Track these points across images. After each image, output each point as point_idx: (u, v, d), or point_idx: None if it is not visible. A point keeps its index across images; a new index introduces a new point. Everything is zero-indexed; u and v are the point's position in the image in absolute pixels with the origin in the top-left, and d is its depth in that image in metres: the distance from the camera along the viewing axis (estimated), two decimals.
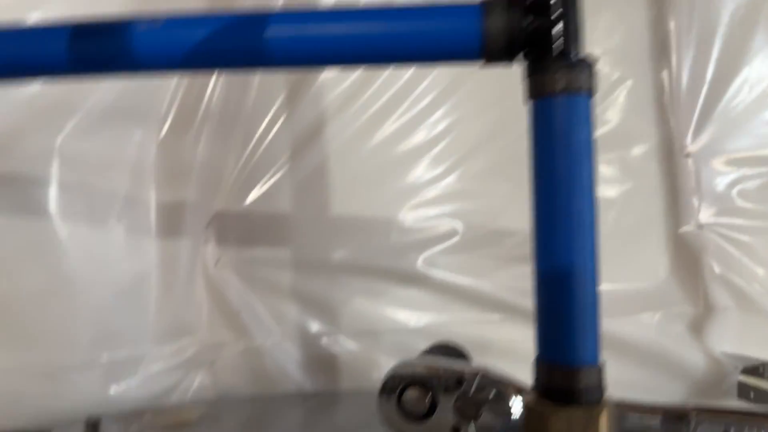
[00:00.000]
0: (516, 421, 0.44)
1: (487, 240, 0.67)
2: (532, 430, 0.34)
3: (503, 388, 0.44)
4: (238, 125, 0.63)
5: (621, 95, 0.73)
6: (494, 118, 0.68)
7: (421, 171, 0.67)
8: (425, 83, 0.66)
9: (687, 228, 0.74)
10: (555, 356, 0.34)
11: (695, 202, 0.74)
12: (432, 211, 0.67)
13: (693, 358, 0.70)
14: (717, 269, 0.73)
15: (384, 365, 0.64)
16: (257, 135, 0.63)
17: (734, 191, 0.75)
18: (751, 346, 0.70)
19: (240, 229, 0.64)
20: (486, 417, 0.44)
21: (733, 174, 0.75)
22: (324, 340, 0.65)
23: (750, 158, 0.75)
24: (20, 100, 0.55)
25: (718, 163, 0.75)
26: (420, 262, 0.66)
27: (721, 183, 0.75)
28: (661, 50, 0.74)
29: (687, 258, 0.73)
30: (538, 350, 0.35)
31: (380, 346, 0.66)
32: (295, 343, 0.64)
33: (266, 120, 0.64)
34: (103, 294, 0.59)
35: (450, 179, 0.67)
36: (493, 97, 0.67)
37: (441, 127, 0.67)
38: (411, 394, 0.45)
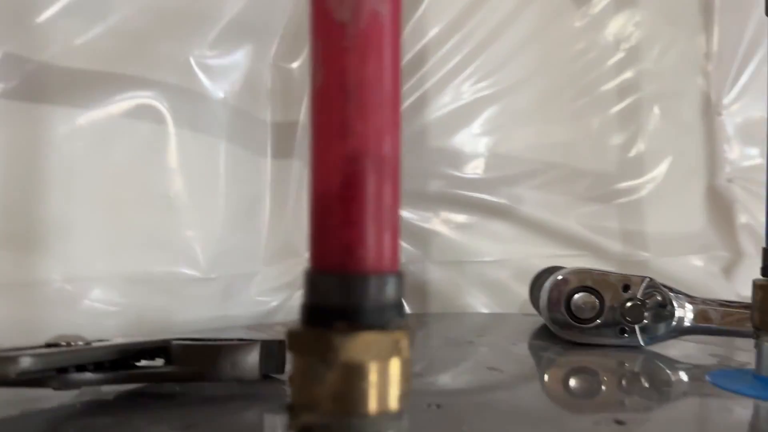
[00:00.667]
0: (677, 325, 0.48)
1: (564, 179, 0.71)
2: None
3: (667, 294, 0.48)
4: None
5: (674, 53, 0.79)
6: (579, 67, 0.72)
7: (509, 109, 0.69)
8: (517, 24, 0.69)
9: (719, 180, 0.81)
10: None
11: (725, 157, 0.82)
12: (518, 147, 0.70)
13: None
14: (743, 219, 0.81)
15: (467, 293, 0.68)
16: None
17: (759, 148, 0.83)
18: None
19: None
20: (650, 321, 0.48)
21: (759, 135, 0.83)
22: (413, 267, 0.67)
23: None
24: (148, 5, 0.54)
25: (747, 122, 0.82)
26: (507, 196, 0.70)
27: (749, 140, 0.82)
28: (706, 13, 0.80)
29: (721, 208, 0.81)
30: None
31: (464, 275, 0.69)
32: None
33: None
34: (220, 211, 0.58)
35: (536, 118, 0.71)
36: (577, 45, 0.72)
37: (528, 68, 0.70)
38: (581, 298, 0.49)
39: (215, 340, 0.36)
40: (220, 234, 0.59)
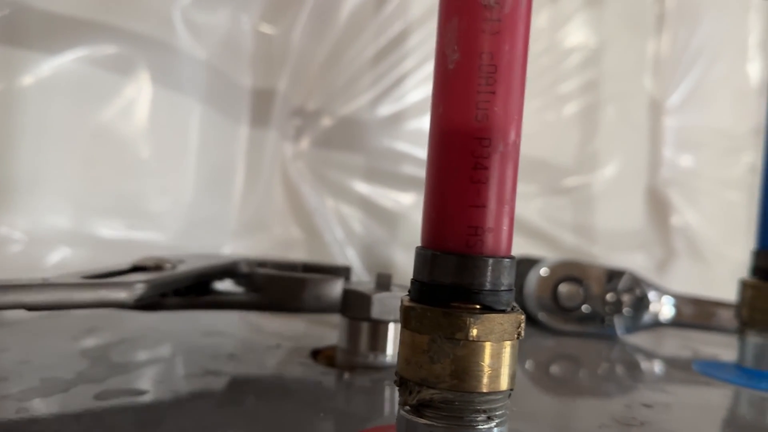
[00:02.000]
0: (653, 318, 0.51)
1: (524, 170, 0.73)
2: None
3: (645, 288, 0.51)
4: (332, 18, 0.62)
5: (629, 55, 0.83)
6: (544, 64, 0.74)
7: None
8: None
9: (658, 182, 0.86)
10: None
11: (664, 160, 0.87)
12: None
13: None
14: (676, 221, 0.87)
15: None
16: (347, 33, 0.63)
17: (695, 155, 0.89)
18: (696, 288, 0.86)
19: (319, 128, 0.64)
20: (629, 313, 0.51)
21: (696, 141, 0.89)
22: (382, 250, 0.67)
23: (712, 129, 0.89)
24: None
25: (686, 128, 0.88)
26: None
27: (686, 145, 0.88)
28: (659, 19, 0.85)
29: (658, 208, 0.86)
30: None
31: None
32: (356, 248, 0.66)
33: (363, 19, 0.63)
34: (191, 178, 0.56)
35: None
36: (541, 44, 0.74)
37: None
38: (566, 287, 0.51)
39: (293, 265, 0.37)
40: (190, 203, 0.56)
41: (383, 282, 0.37)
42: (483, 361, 0.22)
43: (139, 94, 0.53)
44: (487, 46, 0.22)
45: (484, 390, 0.22)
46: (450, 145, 0.23)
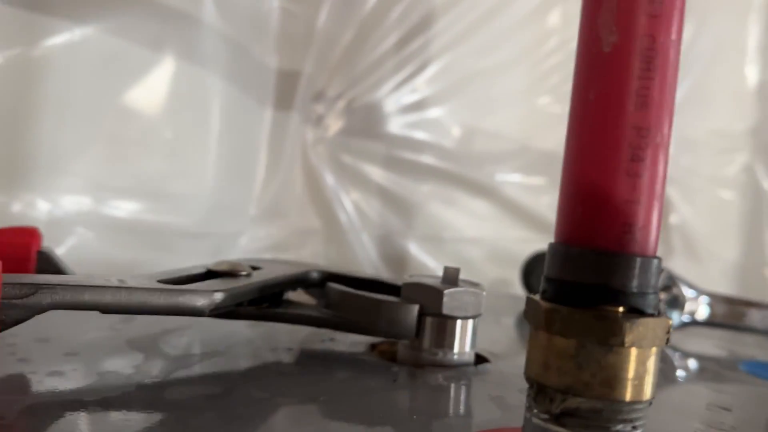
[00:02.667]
0: (687, 317, 0.51)
1: (541, 162, 0.72)
2: None
3: (681, 287, 0.50)
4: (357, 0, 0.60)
5: None
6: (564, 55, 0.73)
7: (506, 84, 0.69)
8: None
9: None
10: None
11: None
12: (504, 126, 0.70)
13: None
14: (673, 219, 0.87)
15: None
16: (372, 17, 0.61)
17: (692, 153, 0.89)
18: None
19: (341, 114, 0.61)
20: (664, 311, 0.50)
21: (694, 140, 0.89)
22: (397, 239, 0.66)
23: (709, 128, 0.90)
24: None
25: (685, 127, 0.88)
26: (493, 175, 0.70)
27: (684, 144, 0.88)
28: None
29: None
30: None
31: (443, 251, 0.68)
32: (372, 237, 0.64)
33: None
34: (212, 160, 0.54)
35: (529, 97, 0.71)
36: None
37: (522, 48, 0.70)
38: None
39: (368, 281, 0.35)
40: (212, 186, 0.54)
41: (451, 276, 0.35)
42: (631, 368, 0.21)
43: (164, 71, 0.51)
44: (648, 28, 0.21)
45: (630, 399, 0.21)
46: (603, 135, 0.21)
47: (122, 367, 0.29)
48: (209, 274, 0.32)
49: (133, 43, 0.48)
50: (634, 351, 0.21)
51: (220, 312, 0.30)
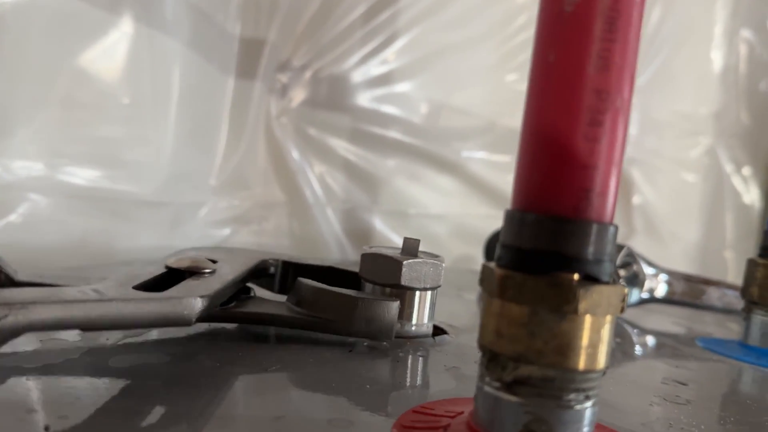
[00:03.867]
0: (646, 295, 0.51)
1: (507, 139, 0.72)
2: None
3: (641, 264, 0.51)
4: None
5: None
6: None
7: (473, 60, 0.69)
8: None
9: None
10: None
11: (629, 139, 0.87)
12: (476, 102, 0.70)
13: None
14: (637, 200, 0.88)
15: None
16: None
17: (657, 135, 0.90)
18: None
19: (306, 85, 0.60)
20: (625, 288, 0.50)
21: (659, 122, 0.90)
22: (362, 214, 0.65)
23: (674, 111, 0.90)
24: None
25: (652, 107, 0.89)
26: (459, 151, 0.69)
27: (649, 126, 0.89)
28: None
29: (622, 186, 0.87)
30: None
31: (408, 227, 0.68)
32: (336, 211, 0.63)
33: None
34: (172, 128, 0.52)
35: (497, 73, 0.70)
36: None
37: (490, 24, 0.69)
38: None
39: (327, 270, 0.33)
40: (171, 154, 0.53)
41: (411, 247, 0.35)
42: (585, 336, 0.20)
43: (122, 34, 0.49)
44: None
45: (584, 368, 0.21)
46: (561, 98, 0.21)
47: (67, 334, 0.28)
48: (172, 273, 0.29)
49: (89, 3, 0.47)
50: (588, 319, 0.20)
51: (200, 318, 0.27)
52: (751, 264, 0.42)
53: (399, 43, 0.64)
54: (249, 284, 0.34)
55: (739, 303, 0.44)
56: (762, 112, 0.99)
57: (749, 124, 0.98)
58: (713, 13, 0.95)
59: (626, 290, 0.21)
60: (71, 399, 0.22)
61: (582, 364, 0.21)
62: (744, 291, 0.42)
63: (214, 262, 0.32)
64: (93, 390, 0.23)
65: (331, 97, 0.62)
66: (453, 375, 0.30)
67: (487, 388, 0.21)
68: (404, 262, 0.33)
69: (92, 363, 0.26)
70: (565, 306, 0.20)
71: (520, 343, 0.20)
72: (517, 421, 0.21)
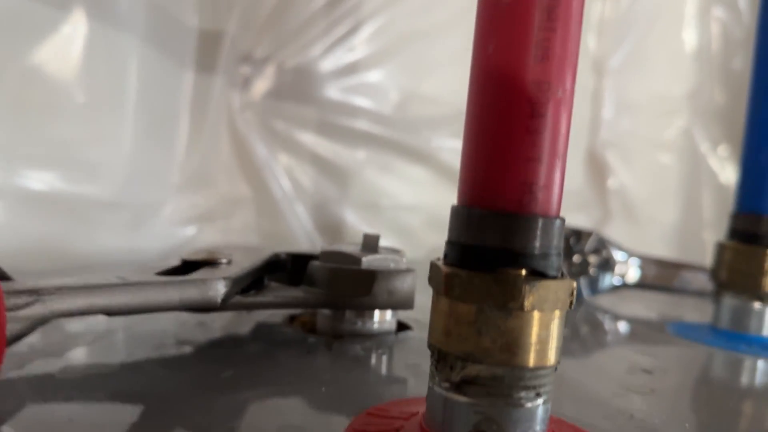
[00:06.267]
0: (618, 280, 0.51)
1: None
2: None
3: (611, 250, 0.50)
4: None
5: None
6: None
7: (442, 47, 0.68)
8: None
9: (595, 144, 0.87)
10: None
11: (603, 121, 0.87)
12: (440, 91, 0.69)
13: None
14: (612, 183, 0.88)
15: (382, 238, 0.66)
16: None
17: (632, 117, 0.89)
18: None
19: (268, 77, 0.59)
20: (594, 274, 0.50)
21: (633, 103, 0.90)
22: (333, 208, 0.64)
23: (648, 91, 0.90)
24: None
25: (626, 90, 0.88)
26: (430, 141, 0.68)
27: (626, 108, 0.89)
28: None
29: (595, 170, 0.87)
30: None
31: (380, 219, 0.67)
32: (306, 206, 0.62)
33: None
34: (129, 126, 0.51)
35: (466, 60, 0.69)
36: None
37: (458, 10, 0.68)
38: None
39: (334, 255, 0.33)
40: (129, 153, 0.51)
41: (371, 243, 0.34)
42: (533, 333, 0.20)
43: (75, 30, 0.47)
44: None
45: (533, 365, 0.20)
46: (501, 90, 0.20)
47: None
48: (187, 265, 0.29)
49: (38, 1, 0.45)
50: (536, 314, 0.20)
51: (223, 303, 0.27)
52: (720, 247, 0.42)
53: (365, 32, 0.63)
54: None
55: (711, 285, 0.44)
56: (736, 90, 0.99)
57: (724, 102, 0.98)
58: None
59: (574, 284, 0.21)
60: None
61: (531, 361, 0.20)
62: (713, 274, 0.42)
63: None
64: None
65: (296, 88, 0.61)
66: (413, 373, 0.29)
67: (437, 389, 0.21)
68: (364, 258, 0.33)
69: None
70: (511, 303, 0.19)
71: (468, 341, 0.20)
72: (467, 421, 0.20)
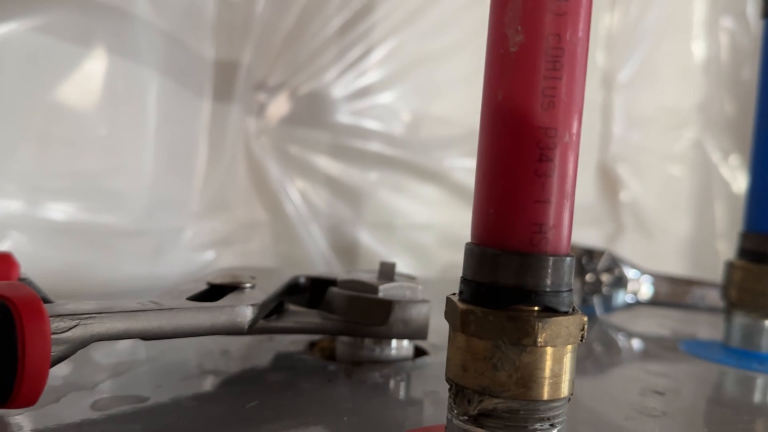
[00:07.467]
0: (631, 298, 0.51)
1: None
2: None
3: (624, 268, 0.51)
4: None
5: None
6: None
7: (452, 68, 0.69)
8: None
9: (606, 157, 0.88)
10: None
11: (614, 135, 0.88)
12: (452, 111, 0.70)
13: None
14: (624, 196, 0.88)
15: (395, 256, 0.67)
16: (311, 4, 0.60)
17: (642, 130, 0.90)
18: (642, 262, 0.88)
19: (283, 103, 0.60)
20: (607, 292, 0.51)
21: (643, 116, 0.90)
22: (347, 229, 0.65)
23: (658, 104, 0.91)
24: None
25: (636, 103, 0.89)
26: (442, 160, 0.70)
27: (636, 121, 0.89)
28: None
29: (608, 184, 0.88)
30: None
31: (394, 239, 0.68)
32: (321, 228, 0.63)
33: None
34: (150, 156, 0.52)
35: (475, 80, 0.70)
36: None
37: (468, 32, 0.69)
38: None
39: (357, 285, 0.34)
40: (150, 182, 0.53)
41: (387, 271, 0.35)
42: (547, 367, 0.21)
43: (96, 66, 0.49)
44: (553, 27, 0.21)
45: (547, 397, 0.21)
46: (511, 135, 0.21)
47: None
48: (214, 289, 0.31)
49: (61, 39, 0.47)
50: (549, 350, 0.21)
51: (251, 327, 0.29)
52: (730, 266, 0.43)
53: (376, 56, 0.65)
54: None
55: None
56: (746, 99, 0.99)
57: (734, 113, 0.98)
58: (692, 4, 0.96)
59: (585, 319, 0.22)
60: None
61: (546, 394, 0.21)
62: (724, 293, 0.43)
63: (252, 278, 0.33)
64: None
65: (310, 113, 0.62)
66: (430, 400, 0.30)
67: (455, 421, 0.22)
68: (381, 287, 0.33)
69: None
70: (524, 339, 0.20)
71: (485, 376, 0.21)
72: None
